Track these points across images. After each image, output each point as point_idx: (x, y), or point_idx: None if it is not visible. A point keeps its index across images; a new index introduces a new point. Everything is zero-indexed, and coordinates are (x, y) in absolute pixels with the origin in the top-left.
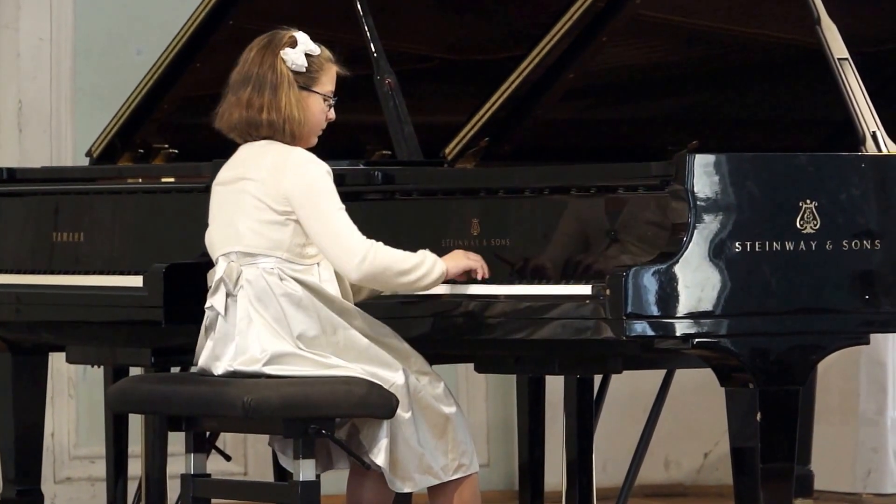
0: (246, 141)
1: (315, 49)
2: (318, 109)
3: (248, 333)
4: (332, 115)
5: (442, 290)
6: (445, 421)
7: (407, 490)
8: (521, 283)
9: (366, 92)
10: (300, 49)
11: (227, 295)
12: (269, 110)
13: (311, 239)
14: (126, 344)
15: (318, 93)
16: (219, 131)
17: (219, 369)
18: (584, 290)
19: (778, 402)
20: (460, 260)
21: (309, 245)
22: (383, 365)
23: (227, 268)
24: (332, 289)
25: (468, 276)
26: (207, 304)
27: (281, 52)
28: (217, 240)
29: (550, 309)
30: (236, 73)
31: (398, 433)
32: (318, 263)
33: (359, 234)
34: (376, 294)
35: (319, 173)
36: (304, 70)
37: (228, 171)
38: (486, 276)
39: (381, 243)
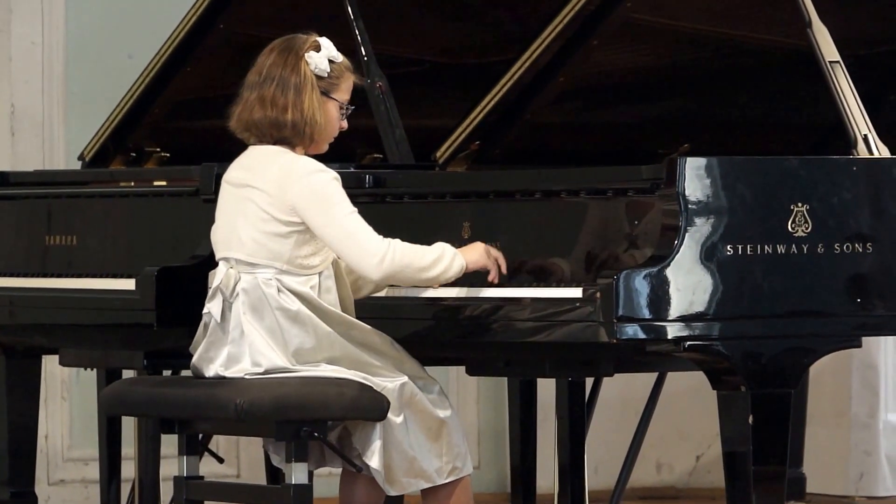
0: (260, 142)
1: (338, 56)
2: (335, 116)
3: (240, 343)
4: (344, 124)
5: (433, 292)
6: (440, 425)
7: (395, 493)
8: (511, 286)
9: (357, 96)
10: (324, 53)
11: (224, 301)
12: (293, 110)
13: (327, 245)
14: (119, 347)
15: (336, 100)
16: (210, 135)
17: (209, 371)
18: (576, 293)
19: (770, 405)
20: (481, 256)
21: (310, 257)
22: (378, 374)
23: (226, 275)
24: (332, 298)
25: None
26: (205, 311)
27: (305, 54)
28: (220, 240)
29: (542, 312)
30: (254, 74)
31: (389, 437)
32: (319, 273)
33: (375, 234)
34: (379, 290)
35: (326, 180)
36: (326, 75)
37: (237, 171)
38: (496, 280)
39: (398, 240)
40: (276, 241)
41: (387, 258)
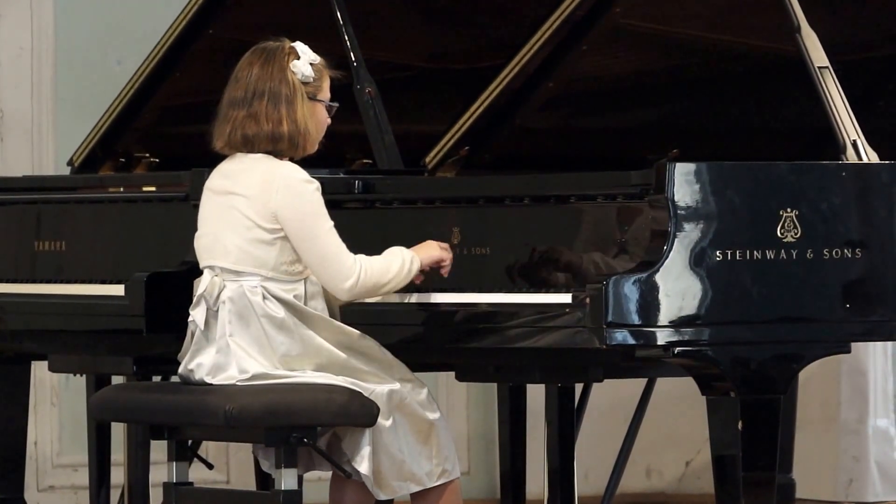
0: (247, 152)
1: (315, 58)
2: (324, 117)
3: (227, 352)
4: (329, 120)
5: (422, 298)
6: (429, 427)
7: (385, 497)
8: (501, 291)
9: (346, 101)
10: (304, 59)
11: (208, 310)
12: (288, 122)
13: (300, 257)
14: (108, 353)
15: (322, 101)
16: (199, 140)
17: (196, 379)
18: (565, 298)
19: (759, 410)
20: (433, 250)
21: (296, 263)
22: (367, 379)
23: (210, 283)
24: (320, 304)
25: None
26: (189, 318)
27: (290, 64)
28: (204, 248)
29: (531, 317)
30: (238, 91)
31: (379, 441)
32: (305, 279)
33: (347, 254)
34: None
35: (309, 192)
36: (312, 80)
37: (219, 179)
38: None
39: (364, 257)
40: (261, 248)
41: (359, 283)
